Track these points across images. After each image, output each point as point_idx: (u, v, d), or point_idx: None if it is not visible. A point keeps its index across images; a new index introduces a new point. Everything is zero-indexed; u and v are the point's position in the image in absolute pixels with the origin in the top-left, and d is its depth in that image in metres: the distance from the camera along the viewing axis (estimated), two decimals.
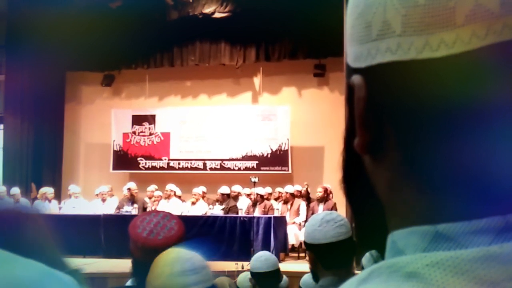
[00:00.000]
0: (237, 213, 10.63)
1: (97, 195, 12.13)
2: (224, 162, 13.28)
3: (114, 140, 14.04)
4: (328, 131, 11.93)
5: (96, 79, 14.42)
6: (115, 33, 12.78)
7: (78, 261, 9.00)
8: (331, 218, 2.24)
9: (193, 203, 11.34)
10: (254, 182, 10.76)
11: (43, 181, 13.37)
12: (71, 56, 13.72)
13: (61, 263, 0.96)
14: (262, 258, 3.93)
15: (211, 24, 12.69)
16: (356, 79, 0.45)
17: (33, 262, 0.73)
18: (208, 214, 10.73)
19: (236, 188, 11.45)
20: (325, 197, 10.50)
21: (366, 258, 3.29)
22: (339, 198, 10.04)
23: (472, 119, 0.40)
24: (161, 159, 13.75)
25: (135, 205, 11.01)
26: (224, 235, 9.87)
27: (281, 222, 10.19)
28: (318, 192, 10.63)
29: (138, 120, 13.96)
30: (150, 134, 13.88)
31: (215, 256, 8.12)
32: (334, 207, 9.90)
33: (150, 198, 11.75)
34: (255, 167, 12.96)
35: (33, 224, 1.01)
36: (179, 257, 1.85)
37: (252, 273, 3.93)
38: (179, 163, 13.61)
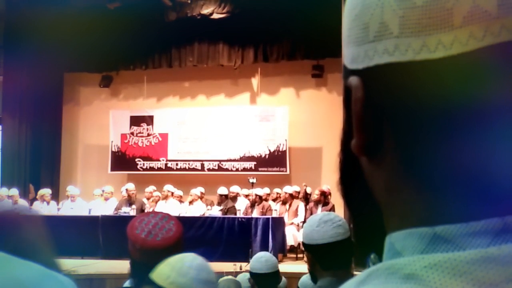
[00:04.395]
0: (235, 214, 10.61)
1: (95, 196, 12.12)
2: (222, 163, 13.27)
3: (112, 141, 14.02)
4: (326, 132, 11.93)
5: (94, 80, 14.40)
6: (113, 34, 12.76)
7: (76, 262, 8.99)
8: (329, 218, 2.24)
9: (191, 203, 11.34)
10: (252, 183, 10.75)
11: (41, 182, 13.35)
12: (69, 57, 13.72)
13: (56, 265, 0.96)
14: (262, 259, 3.93)
15: (209, 25, 12.69)
16: (353, 80, 0.44)
17: (32, 264, 0.73)
18: (206, 215, 10.72)
19: (235, 189, 11.43)
20: (323, 200, 10.47)
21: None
22: (337, 199, 10.04)
23: (470, 120, 0.39)
24: (159, 160, 13.74)
25: (133, 206, 11.00)
26: (222, 236, 9.86)
27: (279, 223, 10.19)
28: (315, 195, 10.61)
29: (136, 121, 13.95)
30: (148, 135, 13.87)
31: (213, 257, 8.12)
32: (332, 209, 9.88)
33: (148, 199, 11.74)
34: (253, 168, 12.95)
35: (31, 226, 1.01)
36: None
37: (252, 274, 3.93)
38: (177, 164, 13.60)
